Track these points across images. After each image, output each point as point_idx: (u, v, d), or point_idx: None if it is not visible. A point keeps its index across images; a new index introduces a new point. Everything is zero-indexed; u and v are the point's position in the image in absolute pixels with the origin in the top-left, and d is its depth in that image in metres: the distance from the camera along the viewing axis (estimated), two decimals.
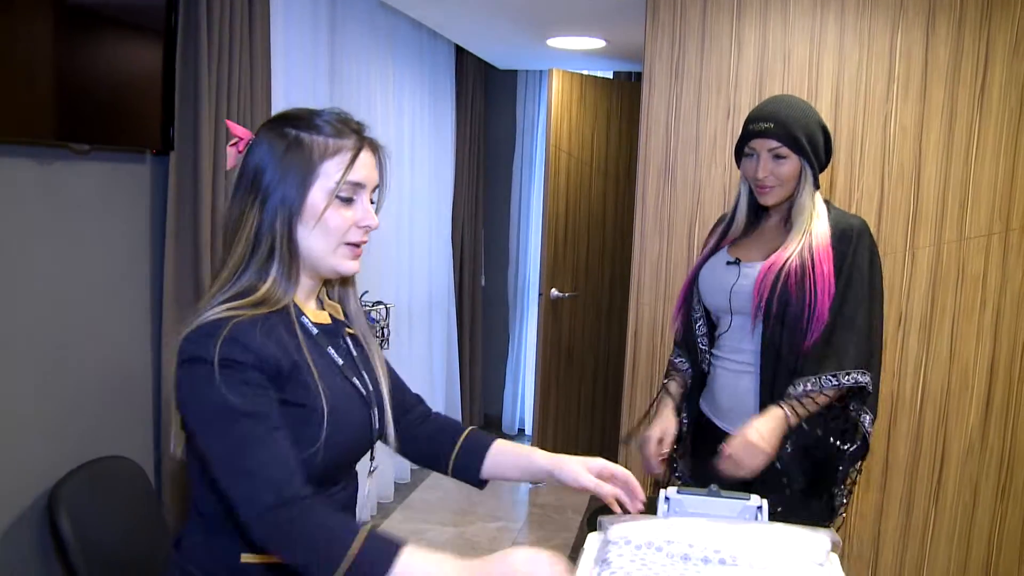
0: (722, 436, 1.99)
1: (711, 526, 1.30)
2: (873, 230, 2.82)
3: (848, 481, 2.02)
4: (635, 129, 4.82)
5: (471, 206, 5.30)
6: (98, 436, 2.34)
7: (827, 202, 2.07)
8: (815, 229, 1.99)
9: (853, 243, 1.99)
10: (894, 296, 2.85)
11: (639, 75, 5.14)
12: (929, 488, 2.92)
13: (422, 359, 4.78)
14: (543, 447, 4.93)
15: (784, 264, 1.97)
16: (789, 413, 1.89)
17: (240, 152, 1.25)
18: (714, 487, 1.42)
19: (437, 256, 4.93)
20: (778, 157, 1.99)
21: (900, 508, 2.94)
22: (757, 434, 1.86)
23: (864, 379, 1.91)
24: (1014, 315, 2.81)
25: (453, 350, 5.23)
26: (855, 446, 1.97)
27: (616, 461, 3.20)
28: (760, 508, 1.38)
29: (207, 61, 2.50)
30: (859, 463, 2.04)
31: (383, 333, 3.81)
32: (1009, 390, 2.84)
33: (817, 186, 2.04)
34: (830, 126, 2.82)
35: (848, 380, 1.90)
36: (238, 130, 1.26)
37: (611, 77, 5.10)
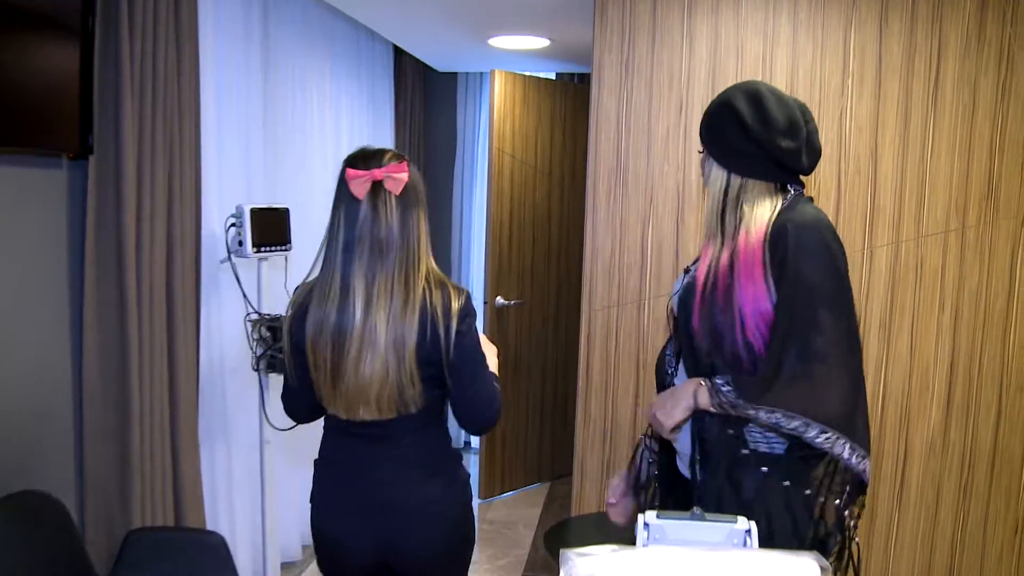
0: (682, 480, 1.76)
1: (687, 555, 1.16)
2: None
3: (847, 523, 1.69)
4: (580, 130, 4.72)
5: None
6: (12, 470, 2.13)
7: (796, 199, 1.66)
8: (748, 228, 1.63)
9: (785, 244, 1.56)
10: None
11: (583, 76, 5.04)
12: (892, 489, 2.87)
13: None
14: (491, 461, 4.77)
15: (704, 274, 1.65)
16: (706, 389, 1.60)
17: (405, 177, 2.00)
18: (697, 510, 1.30)
19: None
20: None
21: (864, 511, 2.87)
22: (662, 405, 1.66)
23: (820, 439, 1.53)
24: (972, 313, 2.78)
25: None
26: (845, 495, 1.64)
27: (570, 479, 3.10)
28: (748, 532, 1.27)
29: (129, 61, 2.33)
30: (858, 498, 1.70)
31: None
32: (969, 388, 2.81)
33: (754, 176, 1.66)
34: None
35: (796, 430, 1.53)
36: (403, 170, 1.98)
37: (554, 78, 4.99)
